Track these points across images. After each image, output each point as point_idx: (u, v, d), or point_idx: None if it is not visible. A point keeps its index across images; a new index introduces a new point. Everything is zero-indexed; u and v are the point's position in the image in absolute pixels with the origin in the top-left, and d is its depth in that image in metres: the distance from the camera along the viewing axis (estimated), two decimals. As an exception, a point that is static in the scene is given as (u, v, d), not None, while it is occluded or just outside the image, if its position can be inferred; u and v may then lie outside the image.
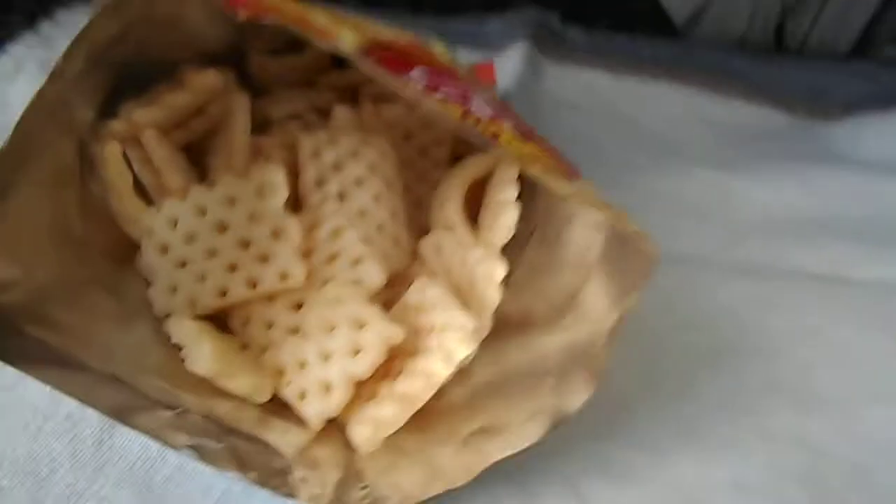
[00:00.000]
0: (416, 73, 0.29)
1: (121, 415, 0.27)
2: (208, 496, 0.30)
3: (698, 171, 0.57)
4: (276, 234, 0.33)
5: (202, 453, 0.27)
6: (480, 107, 0.30)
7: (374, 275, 0.34)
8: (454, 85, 0.31)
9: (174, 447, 0.26)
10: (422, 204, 0.42)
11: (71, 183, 0.35)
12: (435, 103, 0.28)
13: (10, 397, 0.34)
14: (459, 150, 0.44)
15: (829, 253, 0.47)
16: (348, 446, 0.31)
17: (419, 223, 0.41)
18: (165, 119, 0.41)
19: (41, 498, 0.31)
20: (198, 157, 0.44)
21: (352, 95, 0.46)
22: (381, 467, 0.30)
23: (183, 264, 0.34)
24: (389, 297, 0.35)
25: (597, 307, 0.32)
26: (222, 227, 0.34)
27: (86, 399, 0.27)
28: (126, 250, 0.37)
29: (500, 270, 0.33)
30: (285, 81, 0.47)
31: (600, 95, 0.66)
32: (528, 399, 0.30)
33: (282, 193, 0.33)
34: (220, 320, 0.35)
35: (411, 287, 0.33)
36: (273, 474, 0.27)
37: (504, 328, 0.34)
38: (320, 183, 0.36)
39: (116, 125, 0.39)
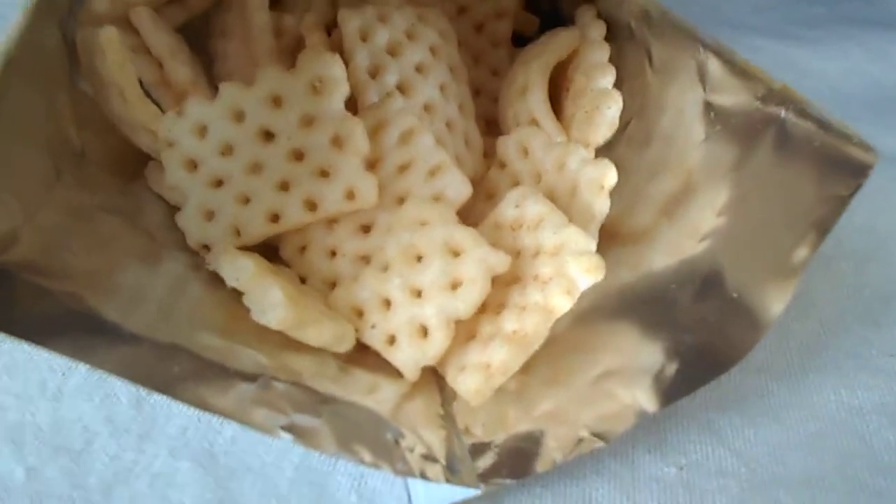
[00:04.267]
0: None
1: (182, 391, 0.21)
2: (285, 460, 0.26)
3: (752, 41, 0.51)
4: (338, 141, 0.27)
5: (301, 435, 0.21)
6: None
7: (459, 187, 0.28)
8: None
9: (267, 432, 0.21)
10: (480, 91, 0.35)
11: (62, 83, 0.27)
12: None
13: (17, 351, 0.28)
14: (522, 26, 0.37)
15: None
16: (442, 389, 0.27)
17: (482, 114, 0.34)
18: (159, -6, 0.32)
19: (81, 476, 0.25)
20: (196, 40, 0.36)
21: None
22: (488, 419, 0.25)
23: (219, 183, 0.27)
24: (463, 210, 0.29)
25: (704, 224, 0.26)
26: (267, 135, 0.27)
27: (128, 373, 0.20)
28: (133, 163, 0.30)
29: (611, 175, 0.28)
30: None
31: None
32: (652, 331, 0.25)
33: (342, 89, 0.26)
34: (267, 247, 0.28)
35: (506, 199, 0.28)
36: (386, 450, 0.22)
37: (602, 238, 0.29)
38: (374, 73, 0.29)
39: (99, 4, 0.31)
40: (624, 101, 0.30)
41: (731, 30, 0.52)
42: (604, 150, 0.31)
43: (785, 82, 0.23)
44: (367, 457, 0.21)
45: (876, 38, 0.51)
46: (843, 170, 0.21)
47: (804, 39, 0.51)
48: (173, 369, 0.21)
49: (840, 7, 0.56)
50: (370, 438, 0.22)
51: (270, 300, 0.23)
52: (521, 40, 0.36)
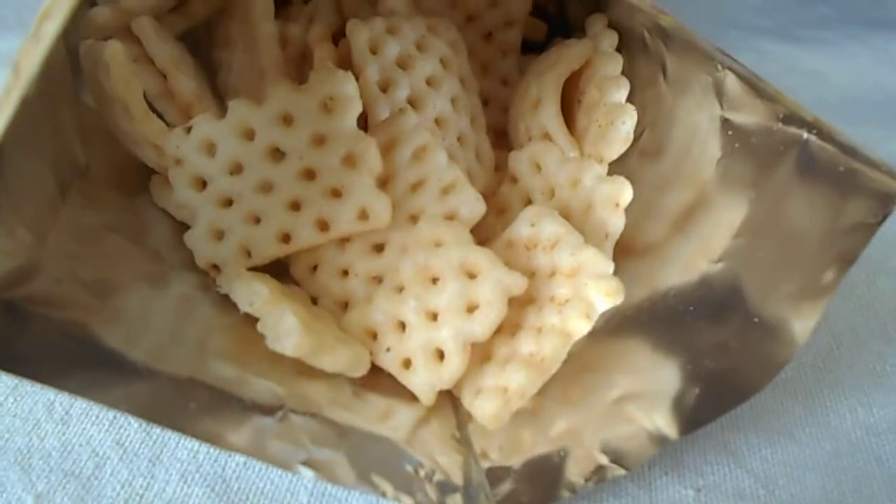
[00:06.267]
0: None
1: (195, 426, 0.20)
2: (299, 484, 0.25)
3: (757, 43, 0.51)
4: (350, 160, 0.26)
5: (321, 469, 0.21)
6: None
7: (472, 205, 0.27)
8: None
9: (286, 468, 0.20)
10: (489, 101, 0.34)
11: (66, 97, 0.26)
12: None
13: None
14: (530, 33, 0.36)
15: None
16: (457, 411, 0.26)
17: (491, 125, 0.34)
18: (161, 4, 0.32)
19: (92, 503, 0.25)
20: (197, 50, 0.35)
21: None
22: (504, 442, 0.25)
23: (228, 202, 0.27)
24: (474, 225, 0.29)
25: (719, 243, 0.26)
26: (277, 154, 0.26)
27: (144, 411, 0.20)
28: (136, 178, 0.30)
29: (627, 193, 0.27)
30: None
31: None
32: (669, 351, 0.25)
33: (355, 108, 0.26)
34: (277, 264, 0.28)
35: (520, 218, 0.27)
36: (406, 482, 0.21)
37: (616, 252, 0.29)
38: (385, 87, 0.29)
39: (100, 14, 0.30)
40: (637, 112, 0.30)
41: (735, 32, 0.51)
42: (616, 162, 0.31)
43: (806, 107, 0.22)
44: (389, 490, 0.21)
45: (882, 39, 0.51)
46: (870, 197, 0.21)
47: (809, 41, 0.51)
48: (190, 406, 0.20)
49: (846, 7, 0.55)
50: (390, 470, 0.22)
51: (285, 327, 0.23)
52: (528, 45, 0.36)
